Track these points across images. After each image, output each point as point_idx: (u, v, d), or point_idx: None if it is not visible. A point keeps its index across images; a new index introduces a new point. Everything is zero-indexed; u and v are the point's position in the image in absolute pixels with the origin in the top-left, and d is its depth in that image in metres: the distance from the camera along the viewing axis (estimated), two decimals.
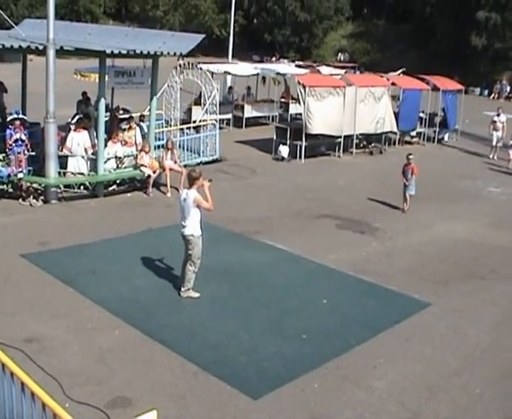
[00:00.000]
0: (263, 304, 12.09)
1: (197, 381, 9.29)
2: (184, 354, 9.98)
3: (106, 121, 19.91)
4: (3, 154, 17.44)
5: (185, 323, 11.17)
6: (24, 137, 17.45)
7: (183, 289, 12.05)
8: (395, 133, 29.23)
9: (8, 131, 17.36)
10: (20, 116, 17.78)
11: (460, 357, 10.58)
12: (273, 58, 62.14)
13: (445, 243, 16.48)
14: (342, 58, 70.23)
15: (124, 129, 20.86)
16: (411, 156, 19.08)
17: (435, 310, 12.33)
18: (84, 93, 24.00)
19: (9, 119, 17.99)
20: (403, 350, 10.70)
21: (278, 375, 9.62)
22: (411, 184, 18.78)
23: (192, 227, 11.80)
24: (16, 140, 17.26)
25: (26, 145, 17.50)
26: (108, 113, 21.95)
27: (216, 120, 25.13)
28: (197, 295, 12.05)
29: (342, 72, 38.36)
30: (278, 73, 34.12)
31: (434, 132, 31.32)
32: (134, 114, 22.96)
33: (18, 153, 17.26)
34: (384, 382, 9.61)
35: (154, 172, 19.28)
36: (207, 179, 12.11)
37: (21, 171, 17.16)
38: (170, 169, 19.58)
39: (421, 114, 30.70)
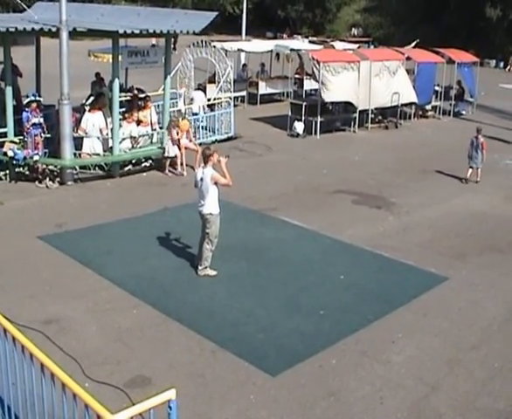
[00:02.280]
0: (280, 281, 12.10)
1: (215, 359, 9.33)
2: (202, 333, 10.01)
3: (121, 102, 19.92)
4: (20, 137, 17.50)
5: (203, 301, 11.19)
6: (41, 120, 17.51)
7: (200, 267, 12.08)
8: (410, 108, 29.09)
9: (25, 114, 17.42)
10: (37, 98, 17.83)
11: (478, 331, 10.55)
12: (284, 35, 61.66)
13: (461, 217, 16.40)
14: (355, 33, 69.79)
15: (140, 108, 20.86)
16: (480, 129, 19.31)
17: (452, 284, 12.29)
18: (97, 74, 23.98)
19: (25, 101, 18.03)
20: (420, 324, 10.69)
21: (296, 352, 9.63)
22: (476, 158, 19.03)
23: (210, 205, 11.81)
24: (33, 124, 17.32)
25: (43, 127, 17.59)
26: (123, 94, 21.94)
27: (230, 98, 25.08)
28: (214, 273, 12.08)
29: (356, 46, 38.14)
30: (292, 49, 33.94)
31: (450, 105, 31.11)
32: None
33: (35, 135, 17.34)
34: (402, 357, 9.61)
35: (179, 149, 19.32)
36: (224, 155, 12.11)
37: (37, 153, 17.19)
38: (186, 148, 19.58)
39: (437, 88, 30.49)
